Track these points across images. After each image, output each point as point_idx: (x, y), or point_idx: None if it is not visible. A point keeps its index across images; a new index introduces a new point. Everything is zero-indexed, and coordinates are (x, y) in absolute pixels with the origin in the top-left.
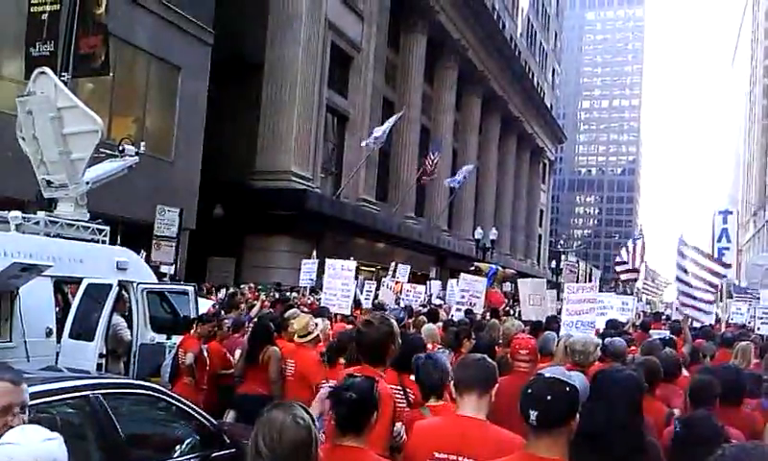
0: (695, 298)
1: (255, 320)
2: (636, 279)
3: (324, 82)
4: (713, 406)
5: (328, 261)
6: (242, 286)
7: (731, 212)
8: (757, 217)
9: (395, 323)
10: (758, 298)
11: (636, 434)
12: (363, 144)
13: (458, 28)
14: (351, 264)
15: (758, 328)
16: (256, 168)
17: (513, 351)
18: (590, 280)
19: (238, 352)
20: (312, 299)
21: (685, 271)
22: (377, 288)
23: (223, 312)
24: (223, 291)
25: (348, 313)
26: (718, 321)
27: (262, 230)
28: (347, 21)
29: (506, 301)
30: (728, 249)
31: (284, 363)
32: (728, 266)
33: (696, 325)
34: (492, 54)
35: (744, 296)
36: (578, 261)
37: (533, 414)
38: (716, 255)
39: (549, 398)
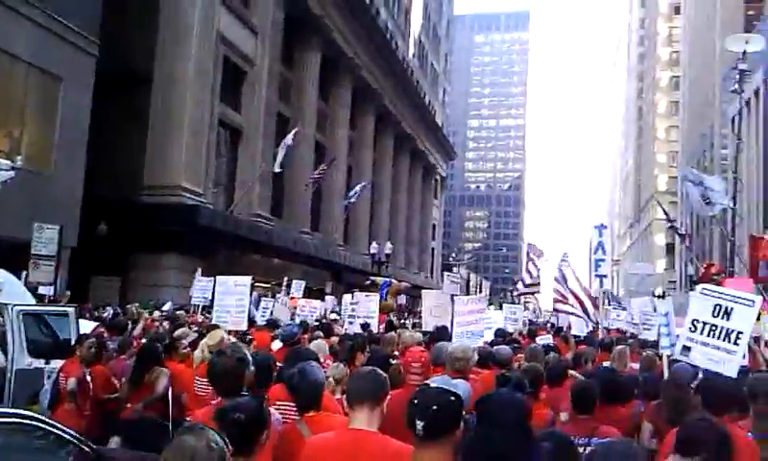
0: (568, 304)
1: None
2: (533, 293)
3: (216, 96)
4: (592, 407)
5: (219, 278)
6: (128, 306)
7: (605, 226)
8: (633, 229)
9: (247, 352)
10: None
11: (529, 459)
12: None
13: (352, 46)
14: (246, 279)
15: (641, 333)
16: (145, 183)
17: (405, 364)
18: (481, 292)
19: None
20: (203, 317)
21: (565, 280)
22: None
23: (107, 334)
24: (108, 311)
25: (245, 329)
26: (598, 326)
27: (150, 247)
28: (239, 36)
29: (388, 316)
30: (603, 260)
31: (180, 383)
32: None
33: (574, 331)
34: (385, 72)
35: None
36: (469, 273)
37: (419, 424)
38: (593, 266)
39: (435, 408)
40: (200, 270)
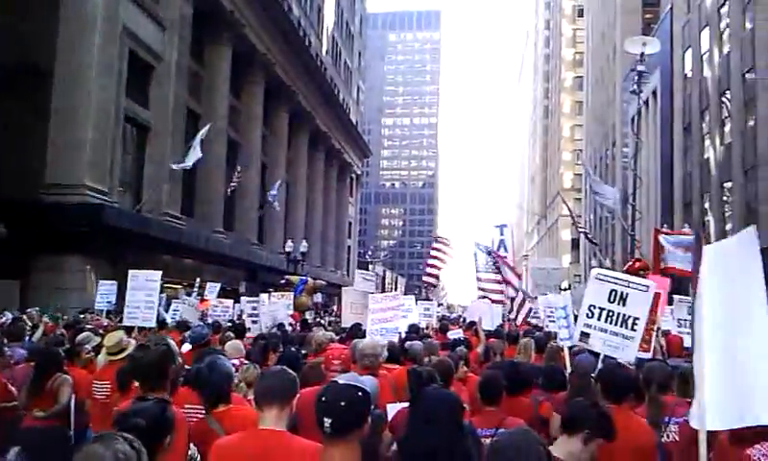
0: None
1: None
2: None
3: (122, 91)
4: (499, 398)
5: (131, 272)
6: (28, 310)
7: (506, 225)
8: (541, 225)
9: (172, 343)
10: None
11: (465, 452)
12: (177, 167)
13: (264, 42)
14: (156, 274)
15: (547, 326)
16: (47, 182)
17: (326, 361)
18: (396, 289)
19: None
20: (107, 321)
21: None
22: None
23: (6, 340)
24: (6, 317)
25: (153, 326)
26: (508, 320)
27: (52, 248)
28: (147, 30)
29: (302, 315)
30: (505, 258)
31: (84, 389)
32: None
33: (485, 325)
34: (298, 69)
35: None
36: (384, 271)
37: (327, 421)
38: (496, 267)
39: (343, 404)
40: (91, 273)
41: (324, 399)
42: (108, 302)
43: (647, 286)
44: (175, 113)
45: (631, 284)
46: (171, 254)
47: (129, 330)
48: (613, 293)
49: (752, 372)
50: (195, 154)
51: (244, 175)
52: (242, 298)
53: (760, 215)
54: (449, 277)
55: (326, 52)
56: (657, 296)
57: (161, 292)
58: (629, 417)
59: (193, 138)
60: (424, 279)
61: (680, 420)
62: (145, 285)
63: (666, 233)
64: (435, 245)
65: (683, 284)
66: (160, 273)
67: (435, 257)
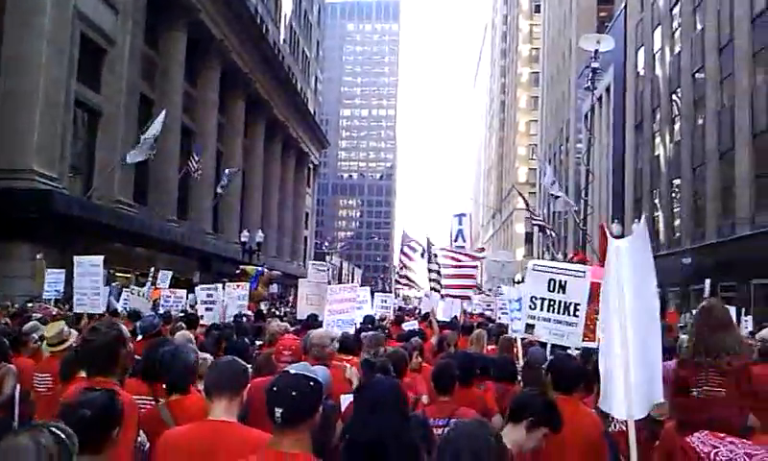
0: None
1: None
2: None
3: (72, 75)
4: (453, 388)
5: (76, 259)
6: None
7: (465, 214)
8: (496, 218)
9: (123, 327)
10: (497, 292)
11: (410, 441)
12: (132, 160)
13: (220, 28)
14: (98, 259)
15: (499, 318)
16: None
17: (277, 352)
18: (353, 280)
19: None
20: (56, 310)
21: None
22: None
23: None
24: None
25: (102, 313)
26: (464, 312)
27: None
28: (99, 12)
29: (258, 306)
30: (463, 247)
31: (31, 379)
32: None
33: (439, 317)
34: (255, 57)
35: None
36: (341, 262)
37: (278, 411)
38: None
39: (294, 394)
40: (38, 257)
41: (275, 388)
42: (56, 290)
43: (583, 272)
44: (128, 99)
45: (567, 272)
46: (123, 243)
47: (78, 318)
48: (552, 282)
49: (649, 357)
50: (147, 146)
51: (201, 162)
52: (196, 287)
53: (707, 212)
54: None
55: (284, 40)
56: (599, 285)
57: (114, 281)
58: (577, 407)
59: (147, 129)
60: (398, 281)
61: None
62: (90, 271)
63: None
64: (406, 251)
65: None
66: (102, 258)
67: (405, 266)
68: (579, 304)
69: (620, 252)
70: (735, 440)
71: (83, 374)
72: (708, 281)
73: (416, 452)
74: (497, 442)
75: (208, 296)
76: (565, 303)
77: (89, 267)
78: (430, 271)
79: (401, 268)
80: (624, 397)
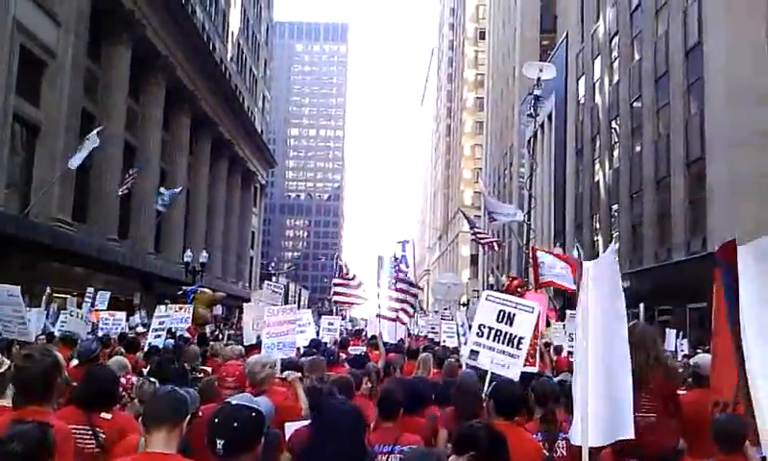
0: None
1: None
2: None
3: (11, 88)
4: (397, 414)
5: None
6: None
7: (407, 241)
8: (442, 240)
9: (58, 354)
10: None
11: None
12: (72, 165)
13: (166, 44)
14: (15, 289)
15: (444, 341)
16: None
17: (220, 378)
18: (300, 301)
19: None
20: None
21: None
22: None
23: None
24: None
25: (31, 341)
26: (409, 335)
27: None
28: (40, 24)
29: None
30: (407, 272)
31: None
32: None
33: (385, 339)
34: (201, 74)
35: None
36: (288, 283)
37: (219, 442)
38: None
39: (236, 425)
40: None
41: (216, 420)
42: None
43: (533, 308)
44: (68, 114)
45: (518, 306)
46: (61, 262)
47: (9, 344)
48: (502, 313)
49: (617, 386)
50: (81, 155)
51: (140, 179)
52: (137, 310)
53: (645, 237)
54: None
55: (231, 58)
56: (538, 312)
57: (51, 302)
58: (519, 433)
59: (84, 140)
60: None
61: (567, 435)
62: (9, 301)
63: (545, 251)
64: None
65: (574, 301)
66: (19, 288)
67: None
68: (523, 338)
69: (588, 275)
70: None
71: (4, 401)
72: (641, 306)
73: None
74: None
75: (160, 323)
76: (511, 335)
77: (7, 297)
78: (379, 296)
79: (337, 285)
80: (580, 422)
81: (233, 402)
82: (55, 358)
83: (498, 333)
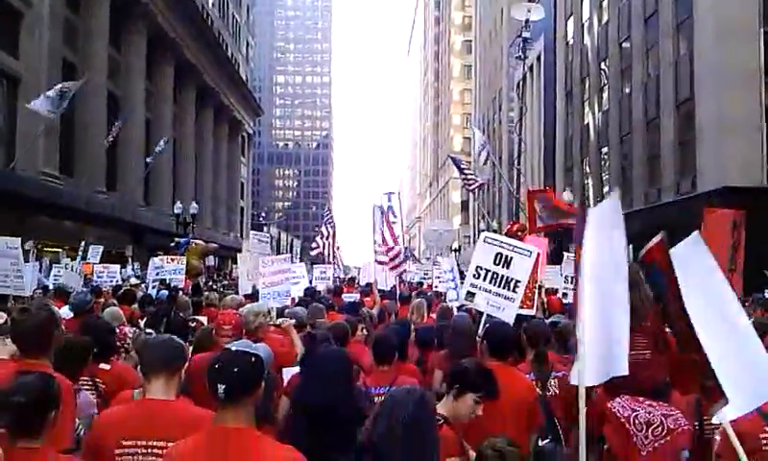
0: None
1: None
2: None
3: None
4: (392, 358)
5: None
6: None
7: (393, 193)
8: (432, 187)
9: (55, 308)
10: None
11: (355, 404)
12: (33, 107)
13: None
14: (16, 241)
15: (436, 287)
16: None
17: (217, 327)
18: (292, 251)
19: None
20: None
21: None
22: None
23: None
24: None
25: (28, 294)
26: (401, 281)
27: None
28: None
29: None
30: (395, 223)
31: None
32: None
33: (380, 286)
34: (183, 21)
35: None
36: (279, 233)
37: (221, 387)
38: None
39: (236, 370)
40: None
41: (216, 365)
42: None
43: (530, 251)
44: (49, 64)
45: (515, 249)
46: (50, 216)
47: (4, 300)
48: (499, 256)
49: (616, 326)
50: (56, 98)
51: (126, 130)
52: (132, 262)
53: (634, 179)
54: (344, 238)
55: (213, 4)
56: (536, 256)
57: (42, 256)
58: (512, 373)
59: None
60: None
61: (559, 374)
62: (7, 253)
63: (540, 192)
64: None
65: (567, 242)
66: (19, 240)
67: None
68: (519, 281)
69: (598, 218)
70: (653, 402)
71: (2, 355)
72: (630, 247)
73: (361, 418)
74: (420, 409)
75: (157, 274)
76: (507, 278)
77: (6, 249)
78: (375, 242)
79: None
80: (577, 362)
81: (233, 348)
82: (51, 311)
83: (495, 276)
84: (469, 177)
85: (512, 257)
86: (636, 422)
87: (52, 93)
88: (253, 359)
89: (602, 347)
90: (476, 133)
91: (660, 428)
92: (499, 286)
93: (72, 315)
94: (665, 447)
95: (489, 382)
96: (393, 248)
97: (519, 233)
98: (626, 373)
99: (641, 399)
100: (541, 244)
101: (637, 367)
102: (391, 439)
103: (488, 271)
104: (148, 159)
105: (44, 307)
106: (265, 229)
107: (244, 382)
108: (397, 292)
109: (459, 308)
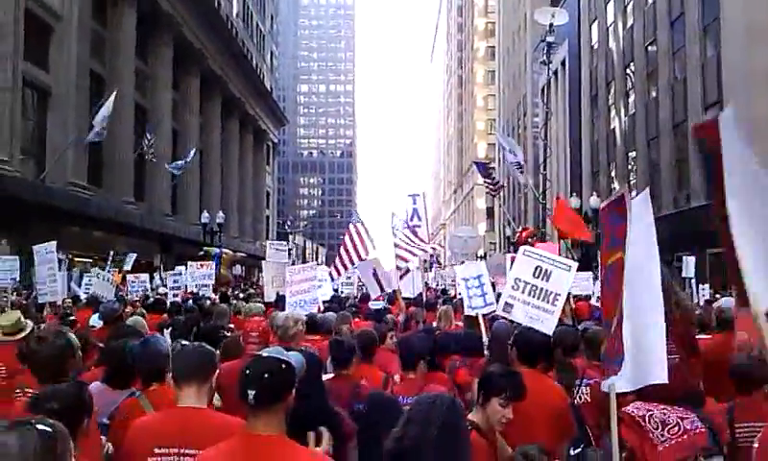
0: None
1: None
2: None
3: (19, 53)
4: (417, 362)
5: (35, 248)
6: None
7: (419, 194)
8: (457, 194)
9: (72, 335)
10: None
11: (325, 407)
12: (88, 140)
13: (170, 3)
14: (51, 245)
15: (459, 294)
16: None
17: (244, 334)
18: (317, 259)
19: None
20: (15, 297)
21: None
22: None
23: None
24: None
25: (62, 298)
26: (428, 288)
27: None
28: None
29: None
30: (419, 226)
31: None
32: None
33: (405, 294)
34: (208, 32)
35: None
36: (305, 241)
37: (251, 393)
38: (411, 232)
39: (266, 376)
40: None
41: (247, 371)
42: (12, 278)
43: (569, 266)
44: (78, 77)
45: (555, 262)
46: (79, 226)
47: (41, 307)
48: (538, 269)
49: (651, 328)
50: (99, 127)
51: (153, 141)
52: (160, 271)
53: (663, 183)
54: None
55: (237, 15)
56: (575, 269)
57: (73, 267)
58: (542, 380)
59: (98, 111)
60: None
61: (590, 381)
62: (46, 258)
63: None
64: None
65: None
66: (55, 243)
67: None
68: (559, 295)
69: (634, 215)
70: (668, 407)
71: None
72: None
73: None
74: (452, 414)
75: (174, 281)
76: (547, 291)
77: (45, 255)
78: (396, 246)
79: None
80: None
81: (264, 354)
82: (67, 340)
83: (534, 288)
84: (491, 183)
85: (551, 271)
86: (652, 420)
87: (98, 125)
88: (284, 366)
89: (638, 351)
90: (501, 141)
91: (676, 428)
92: (539, 299)
93: (102, 324)
94: (683, 442)
95: (512, 383)
96: (418, 246)
97: (530, 240)
98: (665, 380)
99: (656, 403)
100: (552, 249)
101: (669, 372)
102: (424, 444)
103: (527, 283)
104: (175, 170)
105: (60, 336)
106: (290, 237)
107: (274, 389)
108: (424, 299)
109: (493, 318)
